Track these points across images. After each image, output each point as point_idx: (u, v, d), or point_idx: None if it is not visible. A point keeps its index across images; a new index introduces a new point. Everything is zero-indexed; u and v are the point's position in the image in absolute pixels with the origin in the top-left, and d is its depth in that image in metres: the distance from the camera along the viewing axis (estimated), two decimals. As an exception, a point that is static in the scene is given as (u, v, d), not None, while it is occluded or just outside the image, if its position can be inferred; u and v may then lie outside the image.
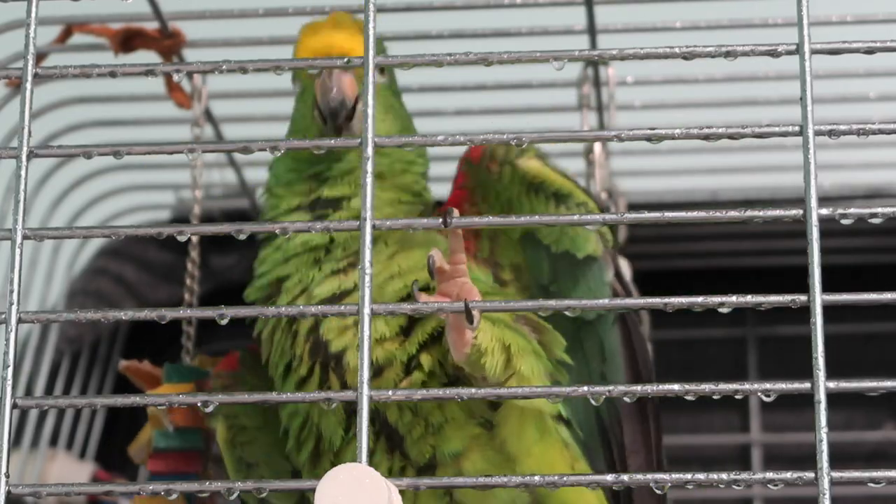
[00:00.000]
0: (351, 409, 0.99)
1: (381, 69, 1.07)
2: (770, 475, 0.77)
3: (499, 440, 1.01)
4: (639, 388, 0.80)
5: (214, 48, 1.33)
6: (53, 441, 1.58)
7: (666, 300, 0.81)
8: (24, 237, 0.82)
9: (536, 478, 0.80)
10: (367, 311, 0.80)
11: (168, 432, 1.12)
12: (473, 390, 0.82)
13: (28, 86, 0.84)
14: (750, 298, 0.80)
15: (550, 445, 1.02)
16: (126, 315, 0.84)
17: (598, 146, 1.34)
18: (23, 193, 0.82)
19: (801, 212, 0.79)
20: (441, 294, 0.93)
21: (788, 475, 0.77)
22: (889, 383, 0.78)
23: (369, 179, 0.81)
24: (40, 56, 1.28)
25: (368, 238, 0.80)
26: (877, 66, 1.40)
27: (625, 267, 1.27)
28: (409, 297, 0.98)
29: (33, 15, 0.85)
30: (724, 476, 0.78)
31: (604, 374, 1.08)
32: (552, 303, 0.84)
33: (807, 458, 0.75)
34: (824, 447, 0.76)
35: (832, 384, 0.77)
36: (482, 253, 1.08)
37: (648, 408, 1.07)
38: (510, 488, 0.99)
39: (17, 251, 0.82)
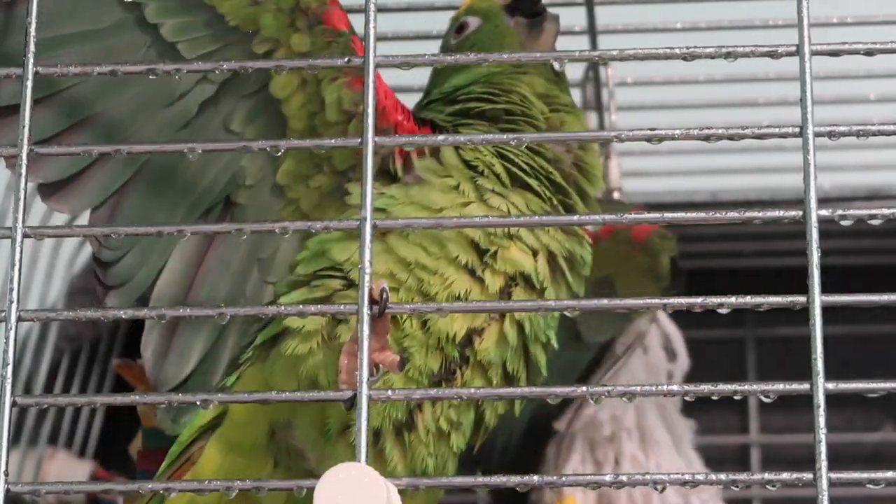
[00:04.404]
0: None
1: None
2: (769, 476, 0.77)
3: None
4: (638, 388, 0.80)
5: (215, 47, 1.32)
6: (53, 439, 1.58)
7: (665, 300, 0.81)
8: (25, 235, 0.82)
9: (535, 478, 0.80)
10: (366, 310, 0.80)
11: (156, 431, 1.11)
12: (472, 390, 0.82)
13: (29, 84, 0.84)
14: (749, 299, 0.80)
15: None
16: (126, 314, 0.85)
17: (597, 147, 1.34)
18: (23, 192, 0.82)
19: (800, 213, 0.79)
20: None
21: (787, 476, 0.77)
22: (888, 384, 0.78)
23: (369, 179, 0.81)
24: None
25: (368, 237, 0.80)
26: (876, 68, 1.41)
27: None
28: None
29: (33, 14, 0.85)
30: (722, 476, 0.78)
31: None
32: (551, 303, 0.84)
33: (805, 459, 0.75)
34: (823, 448, 0.76)
35: (831, 385, 0.77)
36: None
37: None
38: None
39: (18, 249, 0.82)
